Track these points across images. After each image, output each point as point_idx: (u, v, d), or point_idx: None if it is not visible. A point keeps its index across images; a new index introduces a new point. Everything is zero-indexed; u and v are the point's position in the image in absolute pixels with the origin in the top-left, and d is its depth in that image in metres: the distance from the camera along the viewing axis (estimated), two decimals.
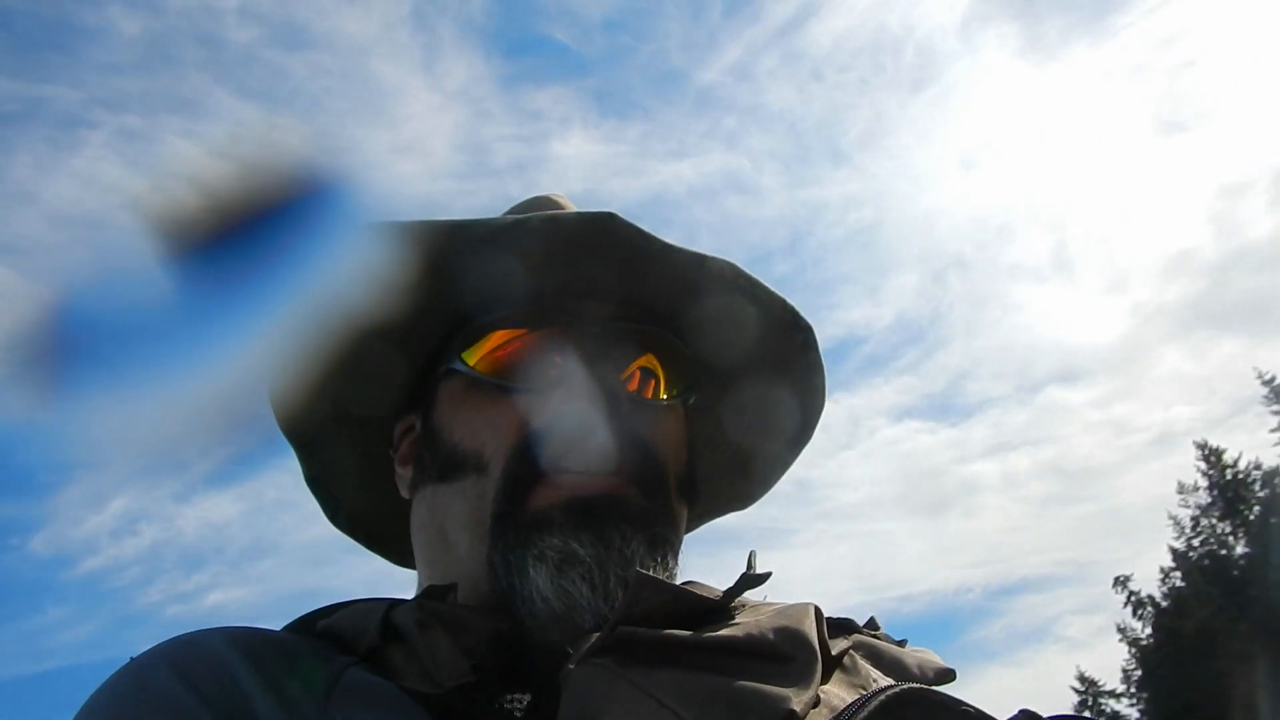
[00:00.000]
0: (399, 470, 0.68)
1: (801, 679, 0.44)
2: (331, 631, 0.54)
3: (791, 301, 0.67)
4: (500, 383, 0.60)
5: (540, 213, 0.59)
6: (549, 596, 0.52)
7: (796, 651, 0.46)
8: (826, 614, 0.55)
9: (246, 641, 0.49)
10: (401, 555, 0.74)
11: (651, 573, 0.54)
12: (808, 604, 0.53)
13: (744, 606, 0.55)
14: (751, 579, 0.55)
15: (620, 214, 0.57)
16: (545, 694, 0.47)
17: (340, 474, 0.73)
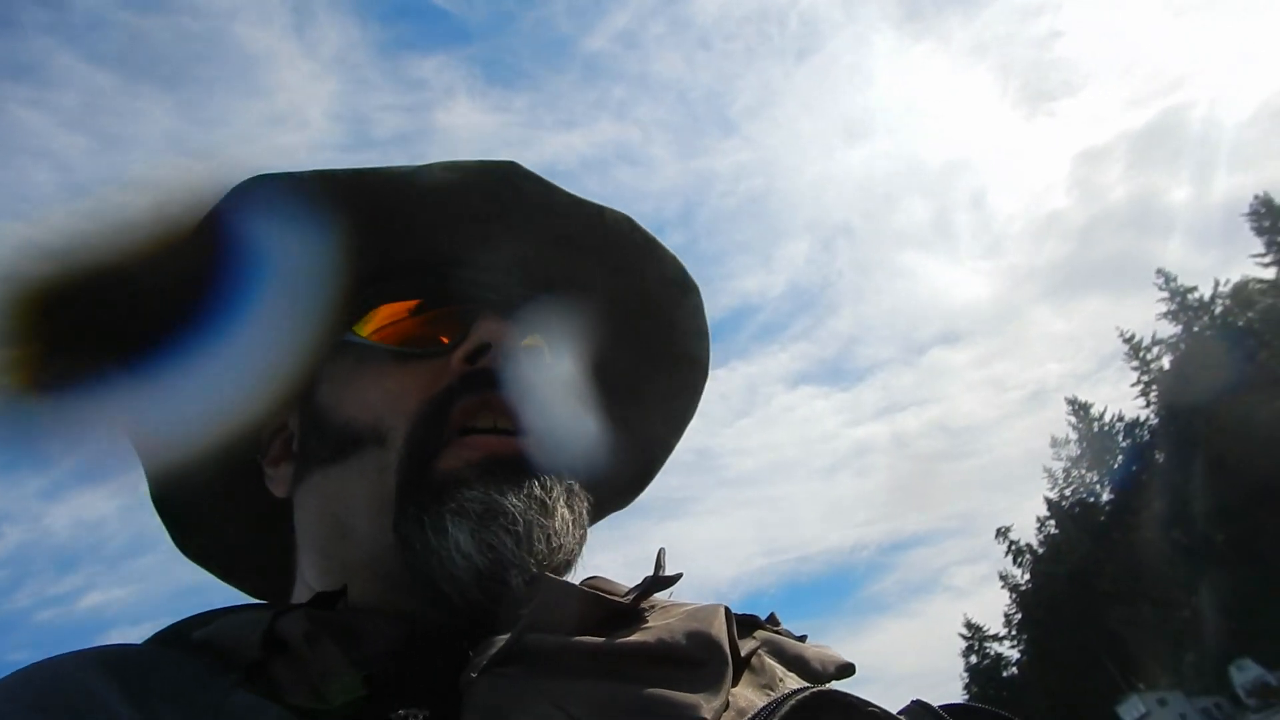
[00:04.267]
0: (270, 472, 0.62)
1: (712, 684, 0.43)
2: (209, 643, 0.49)
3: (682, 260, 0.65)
4: (398, 350, 0.57)
5: (440, 161, 0.54)
6: (471, 552, 0.50)
7: (708, 656, 0.45)
8: (735, 611, 0.53)
9: (112, 665, 0.43)
10: (260, 587, 0.69)
11: (570, 520, 0.54)
12: (718, 605, 0.51)
13: (654, 607, 0.53)
14: (660, 580, 0.54)
15: (520, 162, 0.55)
16: (445, 706, 0.44)
17: (194, 490, 0.66)
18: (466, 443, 0.53)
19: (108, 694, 0.41)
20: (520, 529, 0.50)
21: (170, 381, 0.58)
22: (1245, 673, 43.48)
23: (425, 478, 0.52)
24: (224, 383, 0.58)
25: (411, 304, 0.59)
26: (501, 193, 0.56)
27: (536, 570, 0.50)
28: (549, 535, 0.51)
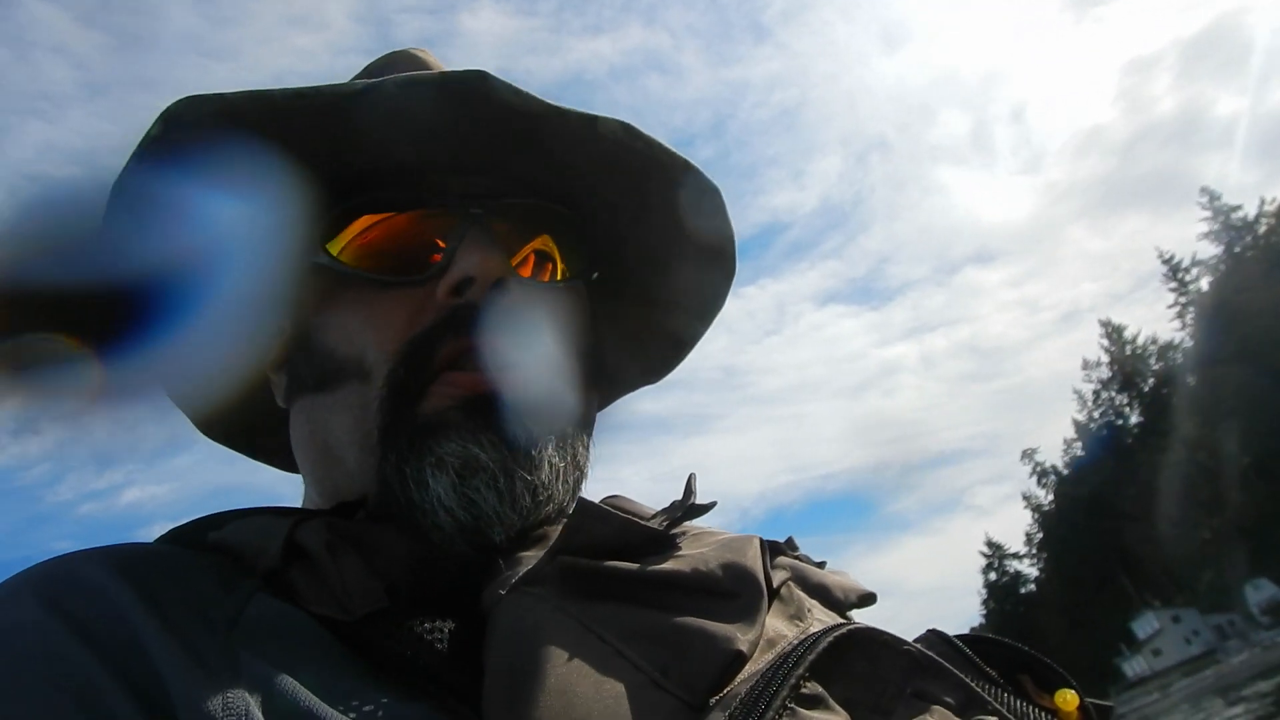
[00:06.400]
0: (272, 377, 0.61)
1: (747, 616, 0.43)
2: (225, 546, 0.48)
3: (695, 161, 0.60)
4: (374, 276, 0.54)
5: (396, 76, 0.50)
6: (453, 507, 0.48)
7: (742, 588, 0.45)
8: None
9: (130, 564, 0.42)
10: (290, 464, 0.66)
11: (561, 467, 0.52)
12: (751, 536, 0.51)
13: (686, 534, 0.52)
14: (694, 508, 0.53)
15: (494, 73, 0.50)
16: (469, 621, 0.44)
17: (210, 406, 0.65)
18: (450, 380, 0.51)
19: (123, 593, 0.39)
20: (502, 484, 0.49)
21: (164, 340, 0.53)
22: (1260, 591, 44.24)
23: (407, 421, 0.50)
24: (216, 329, 0.53)
25: (386, 216, 0.55)
26: (470, 103, 0.51)
27: (520, 525, 0.49)
28: (534, 489, 0.50)
